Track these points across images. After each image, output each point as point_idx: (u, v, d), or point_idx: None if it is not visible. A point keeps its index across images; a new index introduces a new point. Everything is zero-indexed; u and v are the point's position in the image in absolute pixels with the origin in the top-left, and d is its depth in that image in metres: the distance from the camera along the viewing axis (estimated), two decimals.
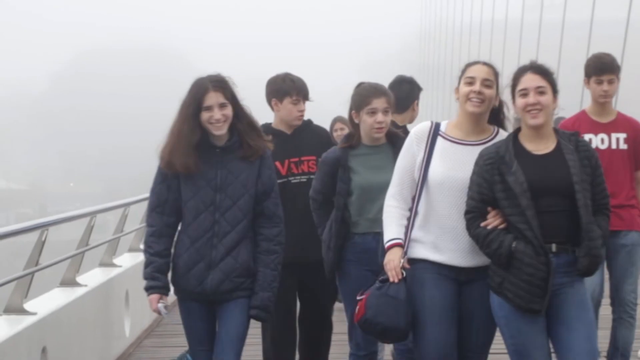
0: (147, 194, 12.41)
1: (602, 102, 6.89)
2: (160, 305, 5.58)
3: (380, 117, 6.02)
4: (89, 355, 8.19)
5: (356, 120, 6.10)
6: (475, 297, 5.31)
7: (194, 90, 5.50)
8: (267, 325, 6.76)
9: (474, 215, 5.17)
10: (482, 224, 5.12)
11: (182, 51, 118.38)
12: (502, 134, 5.37)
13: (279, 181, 6.05)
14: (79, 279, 8.55)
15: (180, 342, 9.02)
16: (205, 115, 5.47)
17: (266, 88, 6.75)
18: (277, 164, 6.45)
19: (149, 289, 5.59)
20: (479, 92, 5.25)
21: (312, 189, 6.30)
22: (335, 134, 10.12)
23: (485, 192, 5.12)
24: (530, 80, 5.16)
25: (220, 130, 5.50)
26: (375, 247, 5.84)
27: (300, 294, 6.85)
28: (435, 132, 5.37)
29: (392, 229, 5.42)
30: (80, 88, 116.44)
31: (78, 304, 7.97)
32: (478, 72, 5.31)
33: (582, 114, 6.99)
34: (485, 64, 5.39)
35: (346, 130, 11.38)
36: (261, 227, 5.60)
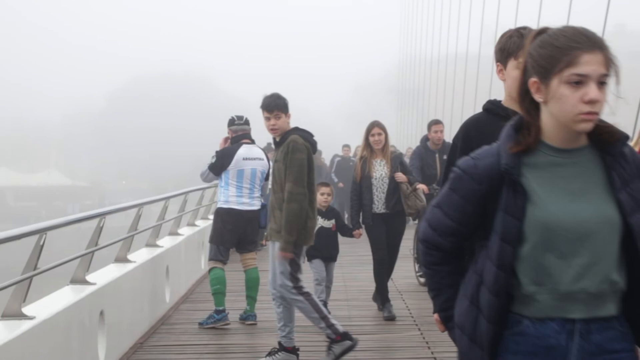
0: (184, 190, 12.34)
1: None
2: None
3: (593, 91, 2.36)
4: (137, 317, 8.17)
5: (537, 97, 2.46)
6: None
7: None
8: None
9: None
10: None
11: (211, 78, 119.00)
12: None
13: None
14: (130, 256, 8.53)
15: (210, 307, 9.03)
16: None
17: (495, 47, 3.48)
18: None
19: None
20: None
21: (429, 226, 2.66)
22: (372, 139, 8.68)
23: None
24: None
25: None
26: (564, 344, 2.45)
27: None
28: None
29: None
30: (131, 107, 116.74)
31: (129, 276, 7.94)
32: None
33: None
34: None
35: (384, 136, 8.91)
36: None
